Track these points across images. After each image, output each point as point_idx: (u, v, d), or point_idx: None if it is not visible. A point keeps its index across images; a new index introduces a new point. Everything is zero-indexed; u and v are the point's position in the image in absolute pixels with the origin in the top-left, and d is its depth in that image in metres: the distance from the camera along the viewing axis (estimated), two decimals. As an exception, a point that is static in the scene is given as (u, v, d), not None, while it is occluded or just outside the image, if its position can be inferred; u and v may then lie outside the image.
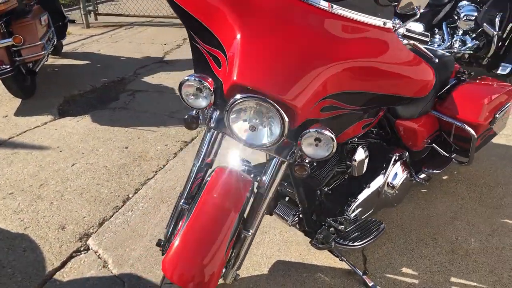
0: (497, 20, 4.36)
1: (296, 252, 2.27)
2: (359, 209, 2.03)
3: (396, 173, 2.13)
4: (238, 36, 1.37)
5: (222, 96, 1.40)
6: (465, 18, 4.51)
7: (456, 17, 4.61)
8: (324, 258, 2.23)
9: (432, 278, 2.13)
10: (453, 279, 2.12)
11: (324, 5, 1.37)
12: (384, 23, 1.43)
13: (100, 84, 4.67)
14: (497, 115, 2.38)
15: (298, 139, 1.39)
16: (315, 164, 1.87)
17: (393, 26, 1.48)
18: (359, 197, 2.02)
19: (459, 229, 2.46)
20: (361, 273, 2.09)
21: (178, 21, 6.65)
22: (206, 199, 1.50)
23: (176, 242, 1.44)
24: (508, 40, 4.47)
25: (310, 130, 1.36)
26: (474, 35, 4.56)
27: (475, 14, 4.48)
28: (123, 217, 2.54)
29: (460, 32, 4.60)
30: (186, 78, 1.44)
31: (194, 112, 1.54)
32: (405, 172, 2.17)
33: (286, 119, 1.31)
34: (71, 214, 2.56)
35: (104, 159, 3.16)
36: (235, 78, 1.31)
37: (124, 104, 4.15)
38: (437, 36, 4.77)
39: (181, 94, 1.47)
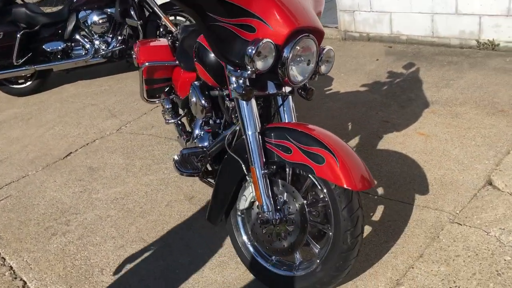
0: (133, 13, 5.03)
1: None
2: None
3: None
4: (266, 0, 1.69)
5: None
6: (97, 23, 5.02)
7: (85, 26, 5.06)
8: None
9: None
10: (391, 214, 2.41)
11: None
12: None
13: None
14: None
15: (315, 63, 1.82)
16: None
17: None
18: None
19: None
20: None
21: None
22: (319, 134, 1.72)
23: (338, 164, 1.61)
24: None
25: (327, 48, 1.86)
26: (112, 34, 5.10)
27: (105, 16, 5.02)
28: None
29: (97, 36, 5.09)
30: (252, 49, 1.64)
31: (242, 82, 1.76)
32: None
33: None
34: None
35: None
36: (291, 24, 1.67)
37: None
38: (79, 47, 5.11)
39: (253, 61, 1.67)
